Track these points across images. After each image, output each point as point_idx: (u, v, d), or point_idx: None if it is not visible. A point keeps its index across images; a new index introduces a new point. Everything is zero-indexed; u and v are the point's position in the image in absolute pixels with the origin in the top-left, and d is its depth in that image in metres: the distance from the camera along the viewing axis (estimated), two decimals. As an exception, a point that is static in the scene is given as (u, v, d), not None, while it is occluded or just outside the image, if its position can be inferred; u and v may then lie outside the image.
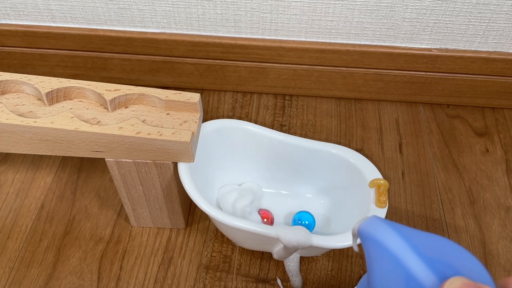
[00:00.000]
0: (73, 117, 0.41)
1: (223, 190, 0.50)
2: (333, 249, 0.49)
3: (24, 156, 0.58)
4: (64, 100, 0.44)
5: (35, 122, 0.40)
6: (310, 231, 0.45)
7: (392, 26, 0.58)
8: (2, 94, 0.45)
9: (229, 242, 0.50)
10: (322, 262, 0.49)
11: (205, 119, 0.50)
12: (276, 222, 0.50)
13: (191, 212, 0.53)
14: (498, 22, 0.56)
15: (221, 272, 0.48)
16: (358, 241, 0.26)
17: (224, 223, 0.41)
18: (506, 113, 0.64)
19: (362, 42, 0.60)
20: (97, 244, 0.50)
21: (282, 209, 0.51)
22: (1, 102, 0.43)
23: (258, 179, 0.52)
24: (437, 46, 0.60)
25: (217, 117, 0.63)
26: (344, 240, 0.41)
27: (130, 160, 0.43)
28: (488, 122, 0.63)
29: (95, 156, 0.43)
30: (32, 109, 0.43)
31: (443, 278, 0.21)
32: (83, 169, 0.57)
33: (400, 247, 0.23)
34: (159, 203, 0.48)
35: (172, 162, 0.43)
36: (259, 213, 0.48)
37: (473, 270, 0.22)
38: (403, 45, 0.60)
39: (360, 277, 0.48)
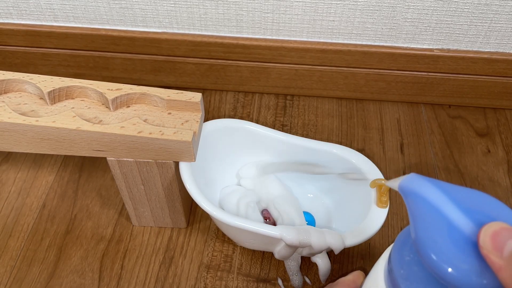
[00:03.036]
0: (75, 116, 0.41)
1: (227, 190, 0.50)
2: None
3: (26, 155, 0.58)
4: (66, 99, 0.45)
5: (37, 121, 0.41)
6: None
7: (393, 26, 0.58)
8: (5, 93, 0.45)
9: (230, 241, 0.51)
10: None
11: (206, 119, 0.50)
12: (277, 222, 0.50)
13: (192, 211, 0.53)
14: (500, 22, 0.56)
15: (222, 272, 0.48)
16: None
17: (225, 222, 0.41)
18: (508, 114, 0.64)
19: (364, 42, 0.60)
20: (99, 243, 0.50)
21: (283, 209, 0.51)
22: (3, 101, 0.43)
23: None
24: (439, 47, 0.59)
25: (219, 117, 0.63)
26: (346, 240, 0.41)
27: (132, 160, 0.43)
28: (490, 123, 0.63)
29: (96, 155, 0.43)
30: (34, 108, 0.43)
31: (481, 225, 0.23)
32: (85, 168, 0.57)
33: (440, 199, 0.25)
34: (160, 203, 0.48)
35: (174, 161, 0.43)
36: (262, 212, 0.48)
37: (509, 219, 0.24)
38: (405, 45, 0.60)
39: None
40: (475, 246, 0.23)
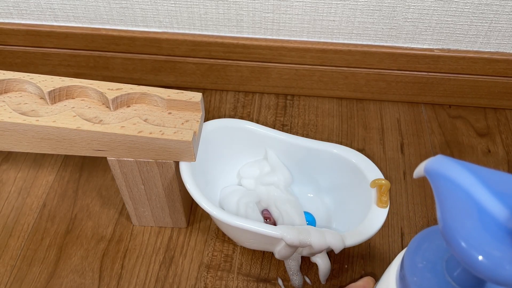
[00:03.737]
0: (75, 116, 0.41)
1: (227, 190, 0.50)
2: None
3: (26, 154, 0.58)
4: (66, 99, 0.45)
5: (37, 120, 0.41)
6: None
7: (394, 26, 0.58)
8: (5, 92, 0.45)
9: (230, 241, 0.51)
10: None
11: (206, 119, 0.50)
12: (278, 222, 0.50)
13: (192, 211, 0.53)
14: (500, 22, 0.56)
15: (222, 272, 0.48)
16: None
17: (226, 222, 0.41)
18: (508, 114, 0.64)
19: (364, 42, 0.60)
20: (99, 243, 0.50)
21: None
22: (4, 101, 0.43)
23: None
24: (439, 47, 0.59)
25: (219, 117, 0.63)
26: (347, 239, 0.41)
27: (132, 159, 0.43)
28: (490, 123, 0.63)
29: (97, 155, 0.43)
30: (34, 107, 0.43)
31: None
32: (85, 168, 0.57)
33: (471, 182, 0.23)
34: (160, 202, 0.48)
35: (174, 161, 0.43)
36: (262, 213, 0.48)
37: None
38: (405, 45, 0.60)
39: (361, 277, 0.48)
40: (509, 232, 0.21)
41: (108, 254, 0.50)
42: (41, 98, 0.44)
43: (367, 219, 0.42)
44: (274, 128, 0.59)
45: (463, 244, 0.21)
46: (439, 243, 0.28)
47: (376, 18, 0.57)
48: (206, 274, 0.48)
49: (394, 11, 0.56)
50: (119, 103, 0.44)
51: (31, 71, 0.65)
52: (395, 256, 0.32)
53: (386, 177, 0.57)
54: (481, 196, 0.22)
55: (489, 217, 0.22)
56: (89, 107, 0.44)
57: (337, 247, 0.40)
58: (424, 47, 0.60)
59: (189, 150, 0.42)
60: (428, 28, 0.57)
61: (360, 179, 0.46)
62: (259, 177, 0.50)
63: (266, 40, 0.60)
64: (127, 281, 0.48)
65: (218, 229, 0.52)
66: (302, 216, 0.47)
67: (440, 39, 0.59)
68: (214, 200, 0.49)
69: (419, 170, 0.26)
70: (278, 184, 0.49)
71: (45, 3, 0.59)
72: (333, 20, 0.58)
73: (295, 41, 0.60)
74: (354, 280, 0.48)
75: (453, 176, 0.23)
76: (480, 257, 0.21)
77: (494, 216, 0.22)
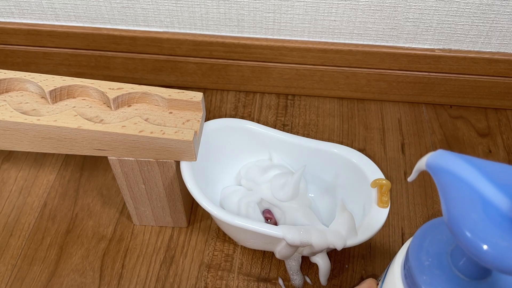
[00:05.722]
0: (76, 115, 0.41)
1: (227, 190, 0.50)
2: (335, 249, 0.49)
3: (28, 154, 0.58)
4: (67, 98, 0.45)
5: (39, 120, 0.41)
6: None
7: (395, 26, 0.58)
8: (6, 92, 0.45)
9: (230, 241, 0.51)
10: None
11: (207, 118, 0.50)
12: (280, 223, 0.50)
13: (193, 211, 0.53)
14: (501, 22, 0.56)
15: (222, 271, 0.48)
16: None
17: (227, 222, 0.41)
18: (509, 114, 0.64)
19: (365, 42, 0.60)
20: (99, 242, 0.50)
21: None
22: (5, 100, 0.43)
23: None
24: (440, 47, 0.59)
25: (220, 116, 0.63)
26: (349, 240, 0.41)
27: (133, 159, 0.43)
28: (491, 123, 0.63)
29: (97, 154, 0.43)
30: (35, 107, 0.43)
31: None
32: (86, 167, 0.57)
33: (473, 175, 0.23)
34: (161, 202, 0.48)
35: (175, 160, 0.43)
36: (263, 213, 0.48)
37: None
38: (406, 45, 0.60)
39: (361, 277, 0.48)
40: None
41: (108, 253, 0.50)
42: (42, 97, 0.44)
43: (368, 219, 0.42)
44: (275, 128, 0.59)
45: (468, 234, 0.22)
46: (440, 237, 0.28)
47: (377, 18, 0.57)
48: (206, 273, 0.48)
49: (395, 11, 0.56)
50: (120, 102, 0.44)
51: (32, 70, 0.65)
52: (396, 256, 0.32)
53: (386, 177, 0.57)
54: (484, 188, 0.23)
55: (492, 208, 0.22)
56: (90, 107, 0.44)
57: (339, 245, 0.40)
58: (425, 47, 0.60)
59: (190, 150, 0.42)
60: (429, 28, 0.57)
61: (360, 179, 0.46)
62: (263, 178, 0.50)
63: (267, 40, 0.60)
64: (127, 281, 0.48)
65: (218, 228, 0.52)
66: (312, 217, 0.47)
67: (441, 39, 0.59)
68: (215, 200, 0.49)
69: (420, 165, 0.27)
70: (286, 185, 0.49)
71: (46, 2, 0.59)
72: (334, 20, 0.58)
73: (296, 41, 0.60)
74: (355, 281, 0.48)
75: (456, 170, 0.24)
76: (485, 247, 0.21)
77: (497, 207, 0.22)
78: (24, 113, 0.42)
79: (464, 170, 0.24)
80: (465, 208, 0.22)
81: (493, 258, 0.21)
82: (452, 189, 0.24)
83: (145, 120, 0.42)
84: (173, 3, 0.58)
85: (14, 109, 0.42)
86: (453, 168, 0.24)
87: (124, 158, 0.43)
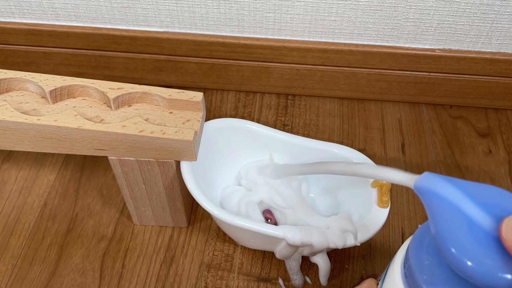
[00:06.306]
0: (77, 115, 0.41)
1: (228, 190, 0.50)
2: (335, 249, 0.49)
3: (28, 153, 0.58)
4: (67, 98, 0.45)
5: (39, 120, 0.41)
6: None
7: (395, 26, 0.58)
8: (6, 92, 0.45)
9: (231, 241, 0.51)
10: (324, 262, 0.49)
11: (208, 118, 0.50)
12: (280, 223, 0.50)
13: (193, 210, 0.53)
14: (502, 22, 0.56)
15: (223, 271, 0.48)
16: None
17: (227, 222, 0.41)
18: (510, 114, 0.64)
19: (365, 42, 0.60)
20: (100, 242, 0.51)
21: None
22: (5, 100, 0.43)
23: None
24: (440, 47, 0.59)
25: (220, 116, 0.63)
26: (350, 239, 0.41)
27: (133, 159, 0.43)
28: (491, 123, 0.63)
29: (98, 154, 0.43)
30: (35, 107, 0.43)
31: (500, 220, 0.23)
32: (86, 167, 0.57)
33: (458, 196, 0.25)
34: (161, 202, 0.48)
35: (175, 160, 0.43)
36: (263, 213, 0.48)
37: None
38: (406, 45, 0.60)
39: (362, 277, 0.48)
40: (497, 240, 0.23)
41: (109, 253, 0.50)
42: (42, 97, 0.44)
43: (368, 219, 0.42)
44: (275, 128, 0.59)
45: (453, 250, 0.23)
46: None
47: (378, 18, 0.57)
48: (206, 273, 0.48)
49: (395, 11, 0.56)
50: (120, 102, 0.44)
51: (32, 70, 0.65)
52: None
53: (387, 177, 0.56)
54: (468, 208, 0.24)
55: (477, 227, 0.24)
56: (90, 107, 0.44)
57: (340, 245, 0.40)
58: (426, 47, 0.60)
59: (190, 150, 0.42)
60: (430, 28, 0.57)
61: (360, 179, 0.45)
62: (263, 178, 0.50)
63: (267, 40, 0.60)
64: (127, 280, 0.48)
65: (219, 228, 0.52)
66: (313, 217, 0.47)
67: (442, 39, 0.59)
68: (215, 200, 0.49)
69: (399, 181, 0.30)
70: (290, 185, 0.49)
71: (46, 2, 0.59)
72: (335, 20, 0.58)
73: (296, 41, 0.60)
74: (355, 281, 0.48)
75: (442, 192, 0.26)
76: (469, 263, 0.23)
77: (482, 226, 0.24)
78: (24, 113, 0.42)
79: (449, 192, 0.25)
80: (451, 227, 0.24)
81: (478, 275, 0.23)
82: (439, 209, 0.25)
83: (146, 120, 0.42)
84: (173, 3, 0.58)
85: (14, 109, 0.42)
86: (439, 191, 0.26)
87: (124, 158, 0.43)
